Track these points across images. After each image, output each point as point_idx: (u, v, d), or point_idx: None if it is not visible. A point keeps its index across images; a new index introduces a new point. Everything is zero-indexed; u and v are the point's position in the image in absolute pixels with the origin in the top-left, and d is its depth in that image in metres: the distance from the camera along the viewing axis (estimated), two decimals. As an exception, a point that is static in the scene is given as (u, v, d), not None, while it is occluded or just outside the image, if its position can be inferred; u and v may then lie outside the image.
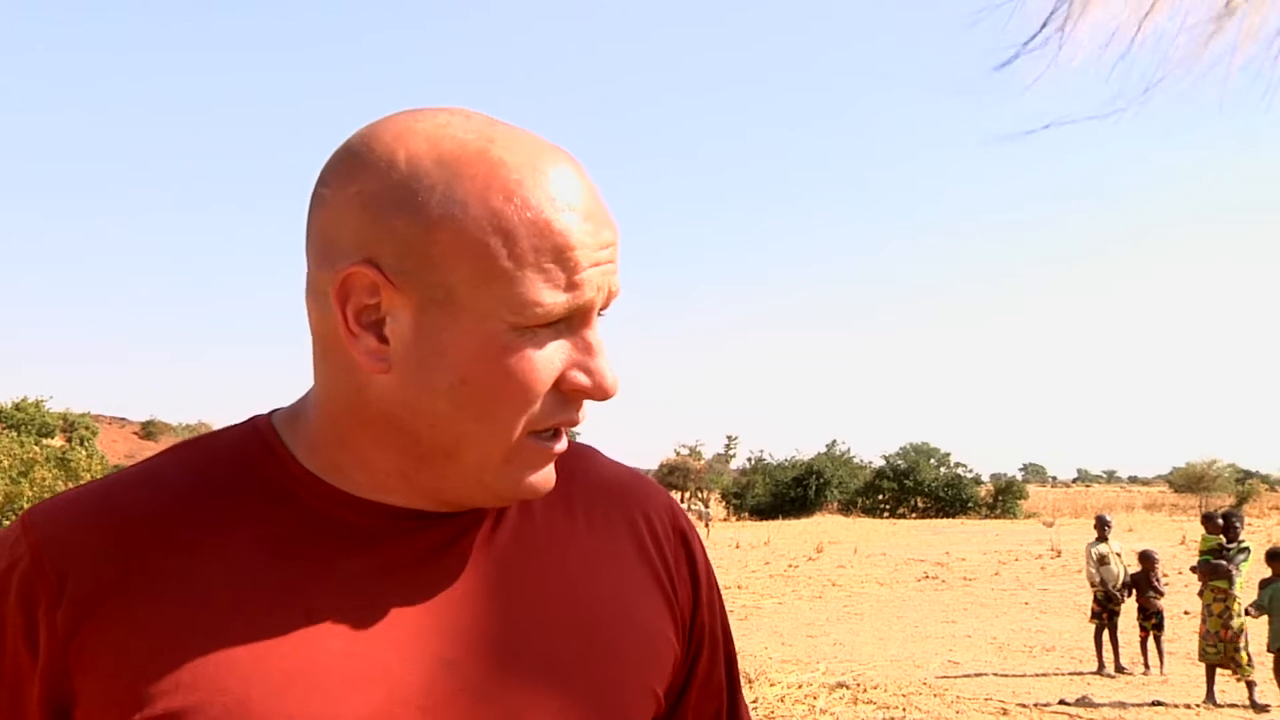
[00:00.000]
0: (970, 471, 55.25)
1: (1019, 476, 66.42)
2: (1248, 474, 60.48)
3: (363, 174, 0.80)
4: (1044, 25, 0.71)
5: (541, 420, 0.83)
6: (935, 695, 9.07)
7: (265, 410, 0.95)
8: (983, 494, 53.42)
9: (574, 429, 0.88)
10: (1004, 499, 52.30)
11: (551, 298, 0.79)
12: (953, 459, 54.83)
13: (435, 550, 0.87)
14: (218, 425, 1.07)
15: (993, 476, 61.95)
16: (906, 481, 52.70)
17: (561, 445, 0.86)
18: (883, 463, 54.71)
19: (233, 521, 0.84)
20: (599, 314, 0.85)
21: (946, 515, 50.08)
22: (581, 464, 1.00)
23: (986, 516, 49.55)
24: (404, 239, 0.79)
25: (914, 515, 50.92)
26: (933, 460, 53.89)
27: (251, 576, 0.82)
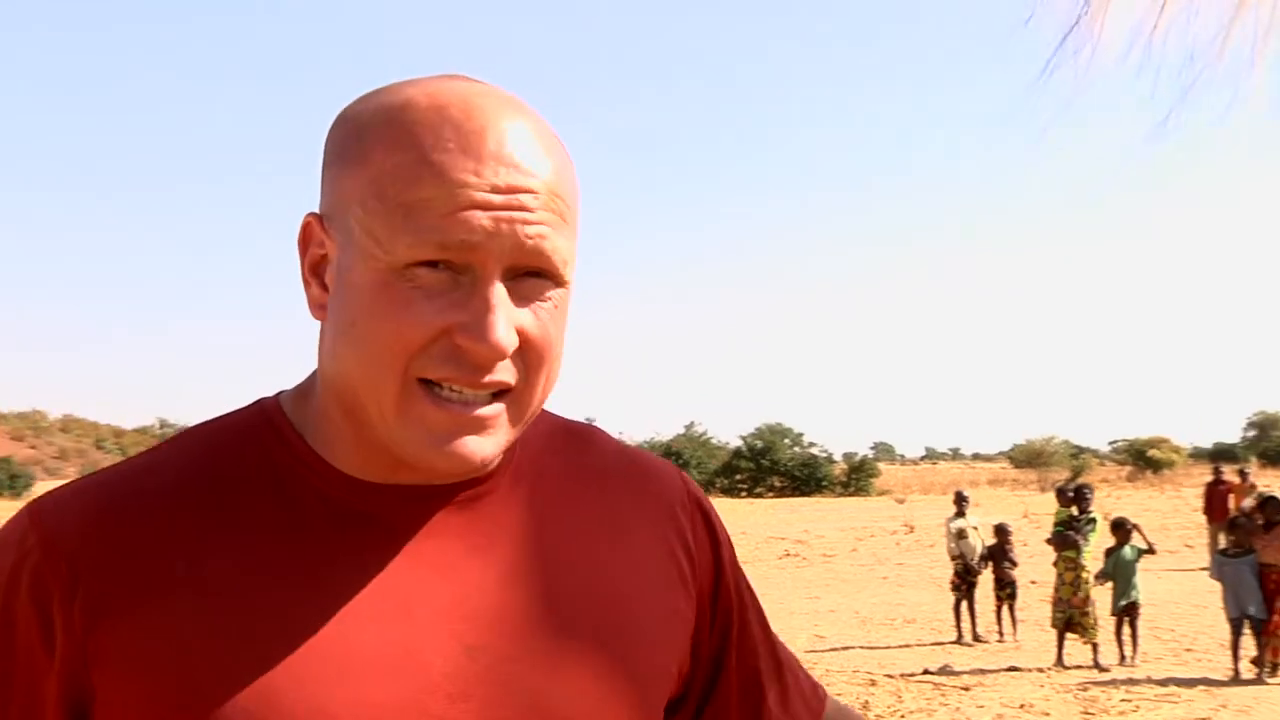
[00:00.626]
0: (824, 451, 56.77)
1: (870, 455, 68.54)
2: (1081, 449, 63.86)
3: (329, 133, 0.85)
4: (1067, 35, 0.75)
5: (425, 367, 0.78)
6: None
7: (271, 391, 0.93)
8: (837, 473, 54.93)
9: (481, 391, 0.81)
10: (857, 477, 53.93)
11: (412, 236, 0.76)
12: (806, 439, 56.22)
13: (448, 531, 0.86)
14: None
15: (845, 455, 63.83)
16: (763, 461, 53.74)
17: (470, 409, 0.80)
18: (740, 443, 55.67)
19: (246, 511, 0.83)
20: (529, 274, 0.80)
21: (802, 494, 51.31)
22: (590, 442, 1.01)
23: (841, 495, 50.99)
24: (330, 188, 0.83)
25: (771, 494, 51.97)
26: (787, 440, 55.11)
27: (269, 567, 0.80)
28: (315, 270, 0.84)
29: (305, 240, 0.85)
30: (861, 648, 11.02)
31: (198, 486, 0.84)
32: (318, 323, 0.85)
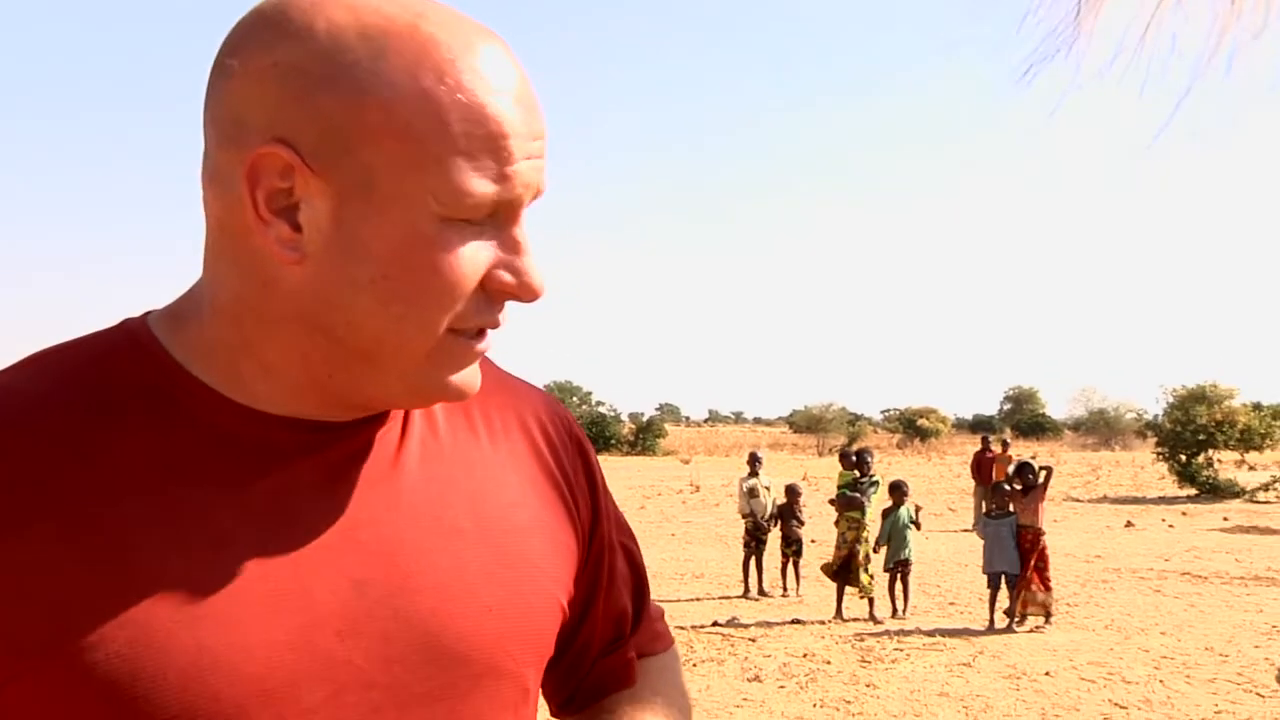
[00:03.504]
0: (612, 410, 57.53)
1: (656, 415, 69.98)
2: (856, 417, 67.05)
3: (280, 44, 0.73)
4: (1057, 35, 0.79)
5: (465, 319, 0.77)
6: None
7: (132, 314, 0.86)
8: (624, 432, 55.78)
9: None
10: (644, 437, 54.90)
11: (482, 188, 0.74)
12: (595, 398, 56.84)
13: (341, 466, 0.82)
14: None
15: (632, 415, 64.84)
16: (554, 419, 53.81)
17: (485, 345, 0.81)
18: (530, 400, 55.50)
19: (117, 440, 0.76)
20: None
21: (592, 453, 51.77)
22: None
23: (628, 454, 51.84)
24: (325, 118, 0.72)
25: (561, 452, 52.16)
26: (576, 399, 55.57)
27: (147, 500, 0.75)
28: (275, 207, 0.74)
29: (258, 173, 0.73)
30: (654, 600, 11.33)
31: (59, 413, 0.76)
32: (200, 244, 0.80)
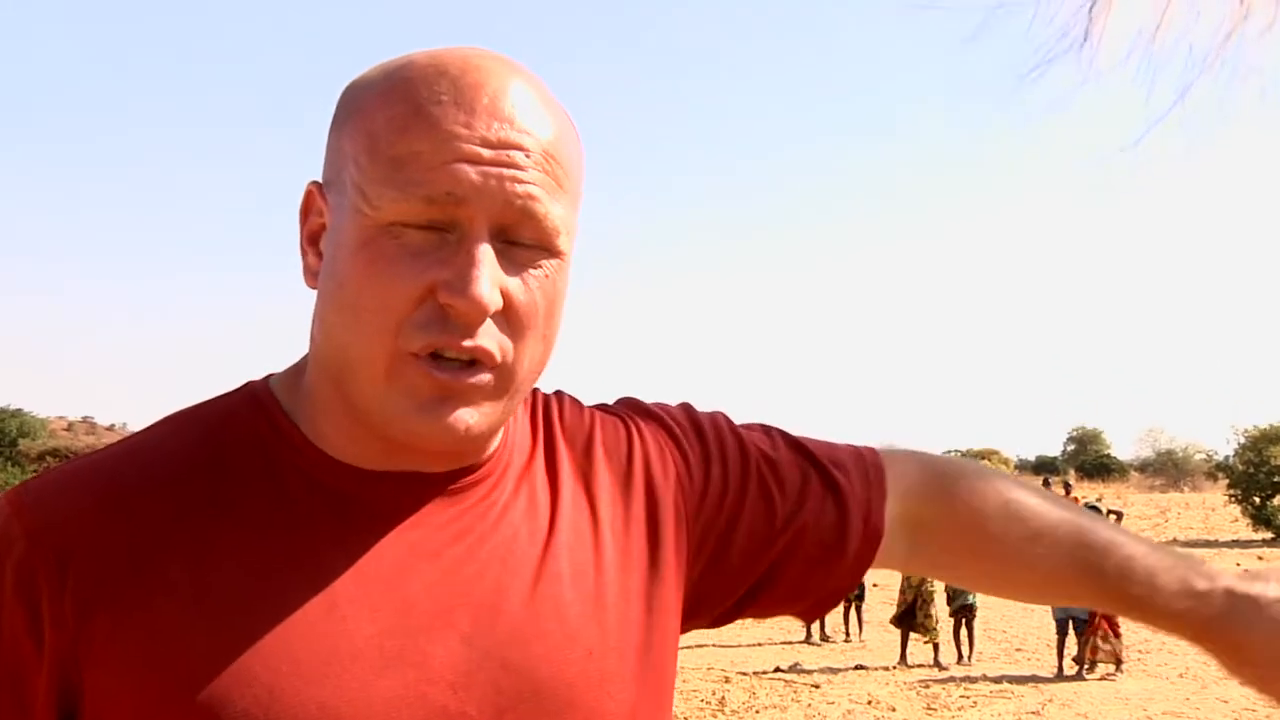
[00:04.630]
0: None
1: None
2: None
3: (337, 102, 0.83)
4: (1066, 34, 0.79)
5: (415, 334, 0.75)
6: (663, 667, 9.50)
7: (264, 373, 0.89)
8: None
9: (465, 357, 0.77)
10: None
11: (398, 191, 0.74)
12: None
13: (443, 519, 0.83)
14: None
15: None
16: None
17: (454, 375, 0.77)
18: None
19: (240, 501, 0.80)
20: (524, 242, 0.78)
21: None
22: (556, 409, 0.97)
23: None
24: (331, 151, 0.81)
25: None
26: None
27: (265, 560, 0.78)
28: (313, 239, 0.82)
29: (306, 210, 0.83)
30: (714, 645, 11.29)
31: (189, 476, 0.80)
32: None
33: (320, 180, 0.82)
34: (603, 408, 1.01)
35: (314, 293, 0.82)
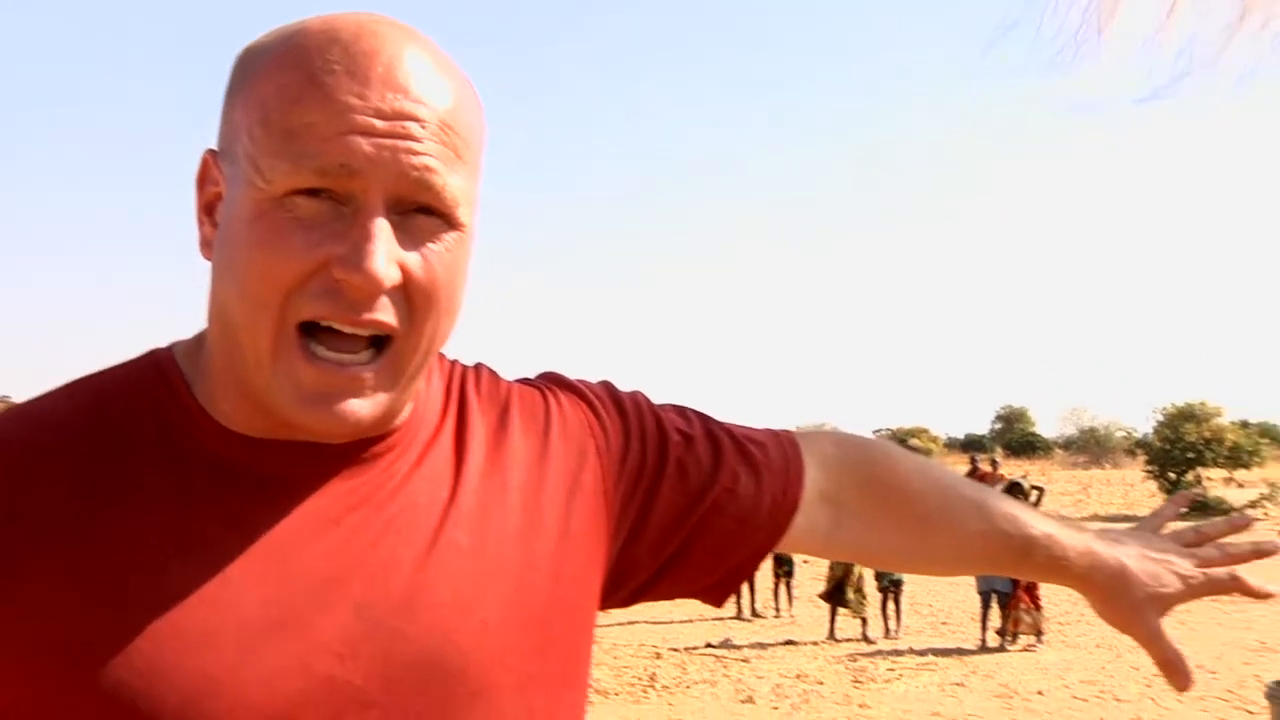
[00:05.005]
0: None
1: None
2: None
3: (231, 70, 0.81)
4: (1075, 35, 0.76)
5: (304, 305, 0.75)
6: (594, 643, 9.56)
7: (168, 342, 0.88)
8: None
9: (363, 331, 0.77)
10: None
11: (290, 163, 0.73)
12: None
13: (340, 491, 0.82)
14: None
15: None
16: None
17: (340, 366, 0.76)
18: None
19: (133, 471, 0.78)
20: (419, 211, 0.76)
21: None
22: (484, 382, 0.97)
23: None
24: (224, 120, 0.79)
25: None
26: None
27: (158, 527, 0.77)
28: (208, 209, 0.81)
29: (202, 179, 0.81)
30: (646, 622, 11.36)
31: (79, 444, 0.79)
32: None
33: (215, 149, 0.81)
34: (524, 380, 1.01)
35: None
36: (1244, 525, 1.21)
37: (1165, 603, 1.12)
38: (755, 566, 1.07)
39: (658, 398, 1.06)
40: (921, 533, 1.11)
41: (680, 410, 1.06)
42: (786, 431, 1.10)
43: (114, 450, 0.79)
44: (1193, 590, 1.13)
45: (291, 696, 0.75)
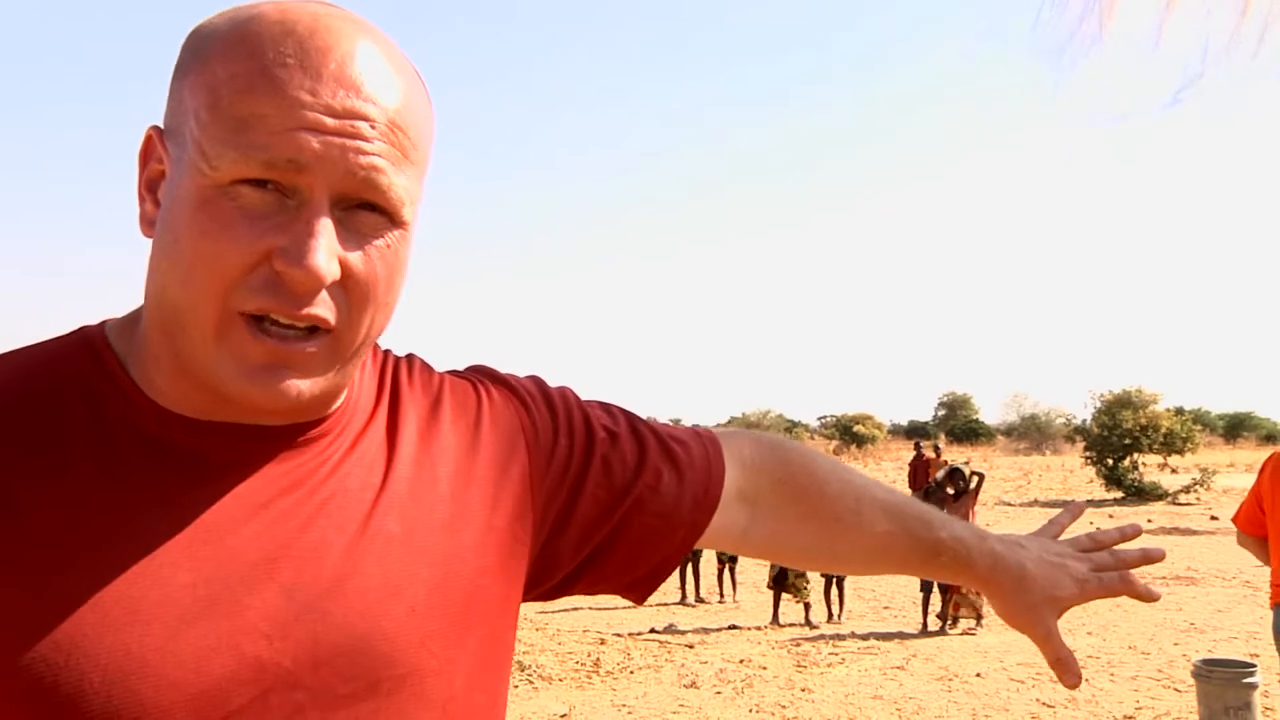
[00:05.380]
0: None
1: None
2: (794, 424, 67.61)
3: (182, 45, 0.81)
4: (1074, 34, 0.75)
5: (246, 298, 0.75)
6: (537, 630, 9.58)
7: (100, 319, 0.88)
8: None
9: (300, 324, 0.77)
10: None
11: (238, 152, 0.73)
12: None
13: (272, 473, 0.82)
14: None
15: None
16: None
17: (284, 341, 0.77)
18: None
19: (59, 447, 0.78)
20: (362, 207, 0.77)
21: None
22: (416, 373, 0.98)
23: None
24: (173, 99, 0.79)
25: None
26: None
27: (83, 504, 0.76)
28: (151, 186, 0.81)
29: (145, 155, 0.81)
30: (590, 609, 11.41)
31: (8, 420, 0.78)
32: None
33: (161, 126, 0.80)
34: (454, 372, 1.01)
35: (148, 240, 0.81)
36: (1134, 534, 1.27)
37: (1061, 604, 1.16)
38: (676, 564, 1.09)
39: (595, 391, 1.11)
40: (833, 532, 1.14)
41: (606, 407, 1.08)
42: (708, 431, 1.14)
43: (41, 426, 0.78)
44: (1086, 593, 1.17)
45: (219, 676, 0.75)
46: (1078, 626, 9.89)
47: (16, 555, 0.74)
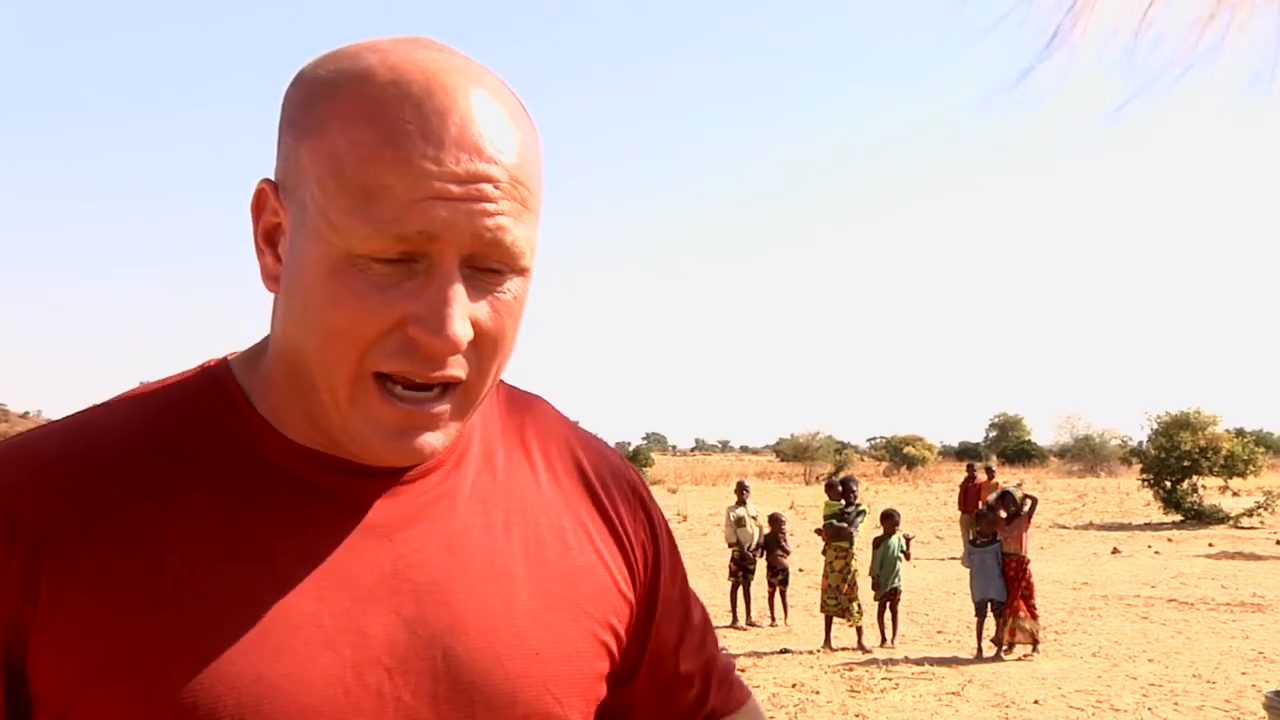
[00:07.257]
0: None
1: (643, 444, 69.62)
2: (843, 445, 67.10)
3: (287, 93, 0.81)
4: (1053, 36, 0.74)
5: (381, 360, 0.77)
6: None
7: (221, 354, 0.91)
8: (612, 462, 55.30)
9: (435, 384, 0.80)
10: (631, 466, 54.44)
11: (369, 227, 0.74)
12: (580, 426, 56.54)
13: (398, 508, 0.85)
14: None
15: (618, 444, 64.65)
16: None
17: (418, 404, 0.79)
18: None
19: (194, 476, 0.81)
20: (490, 267, 0.79)
21: (579, 482, 51.54)
22: (532, 413, 0.99)
23: (615, 483, 51.36)
24: (286, 156, 0.80)
25: (548, 482, 51.97)
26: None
27: (216, 535, 0.79)
28: (269, 238, 0.82)
29: (259, 207, 0.82)
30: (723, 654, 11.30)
31: (139, 453, 0.81)
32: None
33: (274, 179, 0.82)
34: (595, 437, 1.04)
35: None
36: None
37: None
38: None
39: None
40: None
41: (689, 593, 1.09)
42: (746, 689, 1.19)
43: (175, 459, 0.81)
44: None
45: (343, 704, 0.78)
46: (1139, 653, 9.68)
47: (157, 581, 0.76)
